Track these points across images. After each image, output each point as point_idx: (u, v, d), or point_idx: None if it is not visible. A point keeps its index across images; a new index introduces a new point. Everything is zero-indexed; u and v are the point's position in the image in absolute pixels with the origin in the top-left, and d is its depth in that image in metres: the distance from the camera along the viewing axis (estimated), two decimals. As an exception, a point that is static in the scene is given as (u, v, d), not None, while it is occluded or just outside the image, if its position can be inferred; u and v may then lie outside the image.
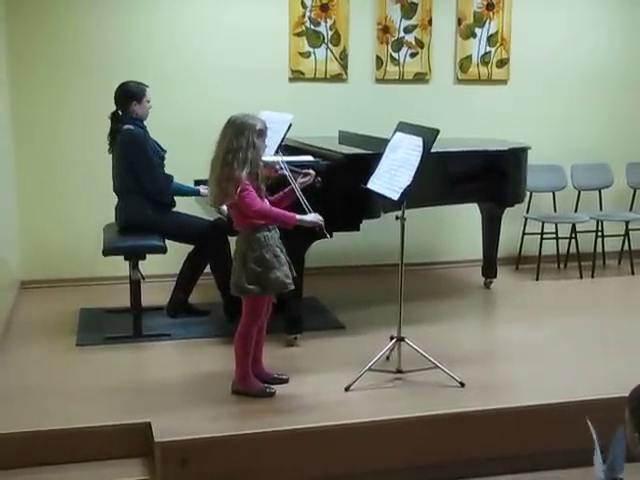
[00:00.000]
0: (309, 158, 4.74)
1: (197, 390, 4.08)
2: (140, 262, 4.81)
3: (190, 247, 5.14)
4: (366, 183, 4.25)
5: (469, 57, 6.56)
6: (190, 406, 3.87)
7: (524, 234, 6.66)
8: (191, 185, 5.23)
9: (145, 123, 4.99)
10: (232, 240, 4.17)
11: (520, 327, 5.16)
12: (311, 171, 4.00)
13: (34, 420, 3.72)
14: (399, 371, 4.24)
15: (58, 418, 3.74)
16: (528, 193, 6.19)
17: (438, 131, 3.99)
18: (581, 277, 6.44)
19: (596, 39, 6.82)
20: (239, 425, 3.68)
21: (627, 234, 6.76)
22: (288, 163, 4.04)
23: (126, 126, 4.91)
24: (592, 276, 6.48)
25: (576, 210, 6.77)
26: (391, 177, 4.09)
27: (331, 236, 3.94)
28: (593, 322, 5.28)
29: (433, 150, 4.04)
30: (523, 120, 6.66)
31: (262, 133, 3.81)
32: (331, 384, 4.11)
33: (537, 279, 6.36)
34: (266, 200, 3.89)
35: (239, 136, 3.74)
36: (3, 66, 5.51)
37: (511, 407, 3.91)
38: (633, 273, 6.57)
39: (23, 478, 3.52)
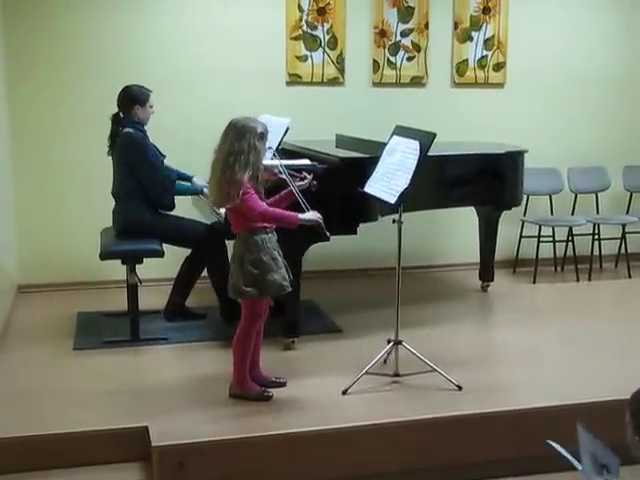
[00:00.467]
0: (306, 162, 4.73)
1: (194, 394, 4.08)
2: (137, 266, 4.81)
3: (187, 251, 5.14)
4: (363, 186, 4.25)
5: (466, 61, 6.57)
6: (187, 410, 3.87)
7: (521, 237, 6.66)
8: (187, 173, 5.23)
9: (145, 128, 5.00)
10: (229, 244, 4.15)
11: (517, 330, 5.16)
12: (308, 175, 4.03)
13: (31, 424, 3.71)
14: (396, 374, 4.24)
15: (55, 422, 3.73)
16: (525, 196, 6.20)
17: (435, 135, 4.00)
18: (578, 280, 6.44)
19: (593, 42, 6.84)
20: (236, 429, 3.68)
21: (624, 237, 6.76)
22: (286, 167, 4.05)
23: (126, 129, 4.92)
24: (589, 279, 6.48)
25: (573, 213, 6.78)
26: (388, 181, 4.09)
27: (330, 236, 3.91)
28: (590, 325, 5.28)
29: (430, 153, 4.05)
30: (520, 123, 6.67)
31: (263, 136, 3.81)
32: (328, 387, 4.10)
33: (534, 282, 6.36)
34: (265, 203, 3.90)
35: (240, 139, 3.74)
36: (1, 68, 5.51)
37: (509, 410, 3.91)
38: (630, 276, 6.57)
39: (20, 483, 3.52)
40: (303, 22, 6.17)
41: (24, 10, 5.67)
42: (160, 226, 4.92)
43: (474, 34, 6.56)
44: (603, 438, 2.38)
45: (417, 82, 6.47)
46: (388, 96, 6.37)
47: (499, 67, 6.65)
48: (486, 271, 6.09)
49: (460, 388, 4.10)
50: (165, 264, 5.04)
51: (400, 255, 4.19)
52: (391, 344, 4.25)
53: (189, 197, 5.30)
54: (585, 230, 6.64)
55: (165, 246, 4.86)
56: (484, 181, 5.51)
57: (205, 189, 4.97)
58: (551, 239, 6.61)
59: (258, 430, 3.65)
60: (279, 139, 5.01)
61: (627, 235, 6.74)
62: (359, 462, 3.69)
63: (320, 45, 6.23)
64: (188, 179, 5.20)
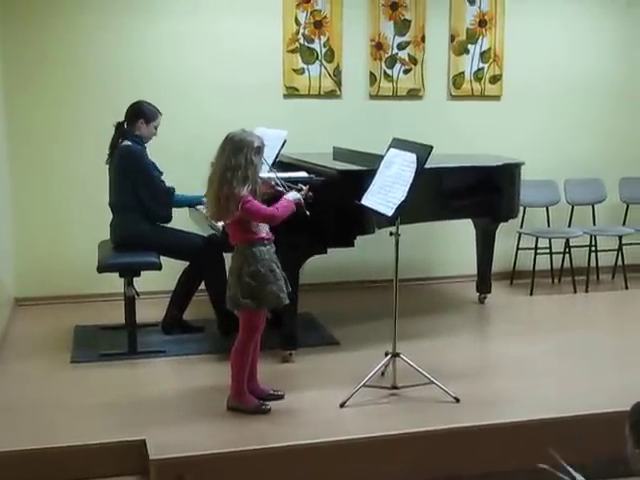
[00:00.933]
0: (303, 174, 4.75)
1: (192, 406, 4.07)
2: (135, 279, 4.81)
3: (185, 263, 5.14)
4: (360, 199, 4.26)
5: (462, 73, 6.59)
6: (185, 423, 3.86)
7: (518, 249, 6.67)
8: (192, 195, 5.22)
9: (145, 145, 5.02)
10: (227, 256, 4.16)
11: (515, 342, 5.16)
12: (304, 187, 4.05)
13: (28, 438, 3.70)
14: (394, 387, 4.23)
15: (52, 436, 3.72)
16: (522, 208, 6.22)
17: (432, 147, 4.01)
18: (575, 292, 6.45)
19: (589, 54, 6.86)
20: (234, 442, 3.67)
21: (620, 249, 6.77)
22: (283, 179, 4.07)
23: (125, 142, 4.93)
24: (586, 291, 6.49)
25: (570, 225, 6.79)
26: (385, 193, 4.10)
27: (308, 215, 3.98)
28: (588, 336, 5.29)
29: (427, 166, 4.06)
30: (516, 136, 6.69)
31: (260, 150, 3.83)
32: (326, 400, 4.10)
33: (531, 294, 6.37)
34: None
35: (237, 153, 3.75)
36: (-1, 80, 5.53)
37: (507, 422, 3.91)
38: (627, 287, 6.58)
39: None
40: (300, 35, 6.19)
41: (20, 23, 5.67)
42: (157, 239, 4.92)
43: (470, 47, 6.58)
44: (602, 450, 2.38)
45: (414, 95, 6.50)
46: (385, 109, 6.39)
47: (495, 79, 6.67)
48: (483, 283, 6.10)
49: (458, 400, 4.10)
50: (162, 277, 5.04)
51: (397, 267, 4.19)
52: (389, 356, 4.25)
53: (186, 209, 5.28)
54: (582, 242, 6.65)
55: (162, 259, 4.86)
56: (481, 193, 5.52)
57: (203, 200, 4.99)
58: (548, 251, 6.62)
59: (256, 443, 3.65)
60: (276, 152, 5.02)
61: (624, 247, 6.76)
62: (357, 475, 3.69)
63: (317, 58, 6.25)
64: (199, 200, 5.14)
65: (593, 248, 6.70)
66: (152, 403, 4.13)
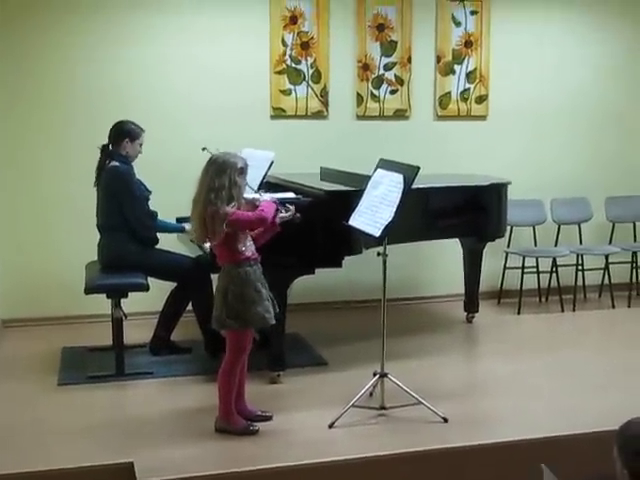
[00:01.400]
0: (291, 195, 4.76)
1: (180, 428, 4.06)
2: (122, 300, 4.80)
3: (172, 284, 5.14)
4: (347, 220, 4.28)
5: (448, 94, 6.63)
6: (173, 445, 3.85)
7: (505, 268, 6.69)
8: (174, 222, 5.26)
9: (132, 164, 5.02)
10: (215, 278, 4.15)
11: (503, 361, 5.17)
12: (291, 207, 4.06)
13: (14, 461, 3.67)
14: (382, 407, 4.23)
15: (39, 459, 3.69)
16: (509, 228, 6.25)
17: (418, 168, 4.04)
18: (562, 310, 6.47)
19: (575, 75, 6.91)
20: (223, 463, 3.66)
21: (607, 267, 6.79)
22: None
23: (113, 163, 4.95)
24: (573, 309, 6.51)
25: (556, 244, 6.82)
26: (372, 214, 4.12)
27: (299, 218, 4.04)
28: (576, 355, 5.30)
29: (414, 186, 4.09)
30: (503, 155, 6.73)
31: (243, 171, 3.86)
32: (315, 421, 4.10)
33: (519, 313, 6.39)
34: (249, 235, 3.93)
35: (221, 175, 3.77)
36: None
37: (495, 442, 3.91)
38: (614, 306, 6.60)
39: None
40: (287, 56, 6.23)
41: (5, 44, 5.69)
42: (145, 260, 4.92)
43: (456, 67, 6.63)
44: (589, 471, 2.39)
45: (400, 115, 6.53)
46: (372, 129, 6.43)
47: (481, 100, 6.72)
48: (471, 302, 6.12)
49: (446, 420, 4.11)
50: (150, 298, 5.03)
51: (385, 287, 4.21)
52: (377, 377, 4.25)
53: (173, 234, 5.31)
54: (569, 261, 6.68)
55: (150, 280, 4.87)
56: (468, 213, 5.54)
57: (187, 225, 5.00)
58: (535, 270, 6.65)
59: (244, 465, 3.63)
60: (263, 173, 5.04)
61: (610, 265, 6.78)
62: (346, 496, 3.68)
63: (304, 79, 6.28)
64: (179, 229, 5.21)
65: (580, 267, 6.72)
66: (140, 425, 4.12)
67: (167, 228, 5.22)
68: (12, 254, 5.85)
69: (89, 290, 4.79)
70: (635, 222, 7.04)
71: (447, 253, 6.38)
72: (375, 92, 6.45)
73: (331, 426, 4.04)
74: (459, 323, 6.08)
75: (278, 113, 6.25)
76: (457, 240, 6.01)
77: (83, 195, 5.30)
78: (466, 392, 4.62)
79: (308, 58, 6.28)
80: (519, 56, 6.77)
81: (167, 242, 5.15)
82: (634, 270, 6.93)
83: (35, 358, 5.17)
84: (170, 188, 5.46)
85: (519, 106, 6.79)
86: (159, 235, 5.07)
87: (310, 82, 6.30)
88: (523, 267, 6.51)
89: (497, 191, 5.72)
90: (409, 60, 6.50)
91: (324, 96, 6.34)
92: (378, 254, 4.18)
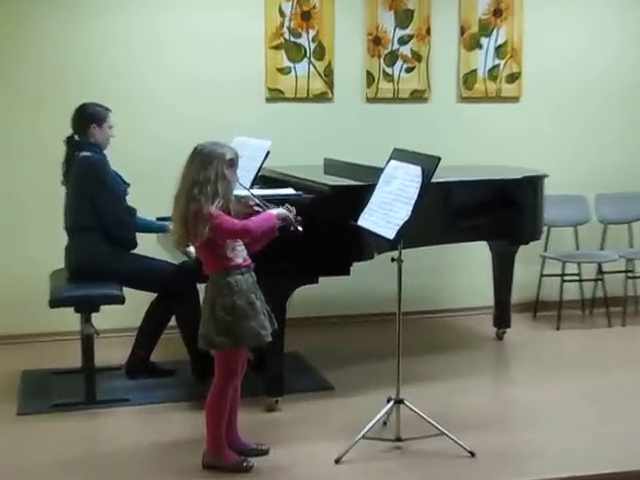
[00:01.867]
0: (290, 191, 4.78)
1: (161, 465, 4.08)
2: (94, 314, 4.83)
3: (152, 295, 5.17)
4: (356, 220, 4.30)
5: (474, 71, 6.67)
6: (153, 484, 3.88)
7: (542, 276, 6.72)
8: (155, 220, 5.29)
9: (105, 152, 5.05)
10: (202, 288, 4.19)
11: (539, 386, 5.19)
12: (291, 207, 4.05)
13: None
14: (398, 439, 4.25)
15: (-3, 500, 3.73)
16: (545, 228, 6.26)
17: (439, 159, 4.05)
18: (610, 325, 6.49)
19: (620, 48, 6.94)
20: (211, 505, 3.69)
21: (662, 274, 6.81)
22: (265, 197, 4.10)
23: (83, 153, 4.97)
24: (623, 324, 6.53)
25: (602, 247, 6.83)
26: (385, 212, 4.14)
27: (301, 229, 4.00)
28: (626, 378, 5.32)
29: (434, 180, 4.10)
30: (538, 143, 6.76)
31: (233, 163, 3.87)
32: (319, 455, 4.13)
33: (558, 328, 6.42)
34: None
35: (207, 167, 3.79)
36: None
37: (529, 480, 3.93)
38: (671, 320, 6.63)
39: None
40: (285, 29, 6.26)
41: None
42: (120, 267, 4.94)
43: (483, 40, 6.66)
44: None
45: (418, 97, 6.57)
46: (384, 113, 6.46)
47: (513, 78, 6.75)
48: (502, 316, 6.14)
49: (473, 454, 4.13)
50: (126, 312, 5.06)
51: (400, 298, 4.23)
52: (391, 403, 4.27)
53: (154, 234, 5.33)
54: (617, 267, 6.70)
55: (126, 290, 4.89)
56: (497, 211, 5.56)
57: (168, 226, 5.03)
58: (577, 278, 6.66)
59: (236, 506, 3.67)
60: (258, 165, 5.06)
61: (666, 272, 6.80)
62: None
63: (305, 55, 6.32)
64: (162, 228, 5.21)
65: (630, 274, 6.73)
66: (114, 461, 4.14)
67: (148, 227, 5.23)
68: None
69: (55, 303, 4.81)
70: (697, 222, 7.03)
71: (473, 258, 6.41)
72: (388, 70, 6.49)
73: (338, 461, 4.06)
74: (488, 340, 6.11)
75: (275, 95, 6.29)
76: (485, 243, 6.03)
77: (46, 195, 5.34)
78: (496, 422, 4.64)
79: (310, 31, 6.32)
80: (558, 26, 6.79)
81: (146, 246, 5.17)
82: (695, 278, 6.94)
83: (-9, 383, 5.21)
84: (150, 181, 5.49)
85: (558, 85, 6.82)
86: (138, 237, 5.08)
87: (312, 59, 6.33)
88: (563, 274, 6.52)
89: (532, 185, 5.73)
90: (428, 32, 6.53)
91: (328, 75, 6.37)
92: (392, 260, 4.20)
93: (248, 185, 4.19)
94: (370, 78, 6.47)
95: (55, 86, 5.88)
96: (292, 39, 6.29)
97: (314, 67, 6.35)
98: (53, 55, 5.89)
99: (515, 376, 5.64)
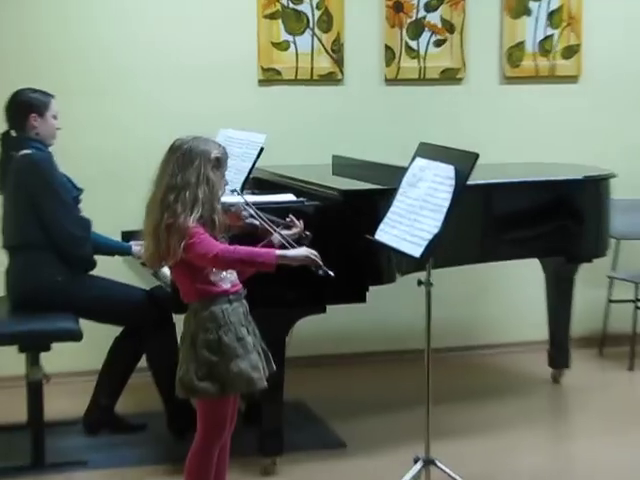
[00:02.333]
0: (290, 197, 4.82)
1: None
2: (43, 354, 4.84)
3: (117, 329, 5.20)
4: (374, 233, 4.35)
5: (521, 44, 6.71)
6: None
7: (610, 302, 6.74)
8: (118, 239, 5.32)
9: (51, 150, 5.07)
10: (179, 320, 4.21)
11: (608, 441, 5.21)
12: (296, 221, 4.05)
13: None
14: (428, 509, 4.29)
15: None
16: (613, 242, 6.29)
17: (477, 156, 4.07)
18: (697, 365, 6.52)
19: None
20: None
21: None
22: (260, 206, 4.11)
23: (24, 151, 4.98)
24: None
25: (685, 266, 6.86)
26: (410, 224, 4.17)
27: (333, 275, 3.92)
28: None
29: (471, 182, 4.14)
30: (602, 134, 6.80)
31: (220, 163, 3.88)
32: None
33: (631, 368, 6.44)
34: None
35: (186, 168, 3.80)
36: None
37: None
38: None
39: None
40: (282, -8, 6.32)
41: None
42: (76, 293, 4.97)
43: (533, 5, 6.71)
44: None
45: (450, 77, 6.62)
46: (407, 99, 6.51)
47: (571, 52, 6.79)
48: (558, 353, 6.16)
49: (522, 527, 4.16)
50: (84, 350, 5.10)
51: (429, 331, 4.25)
52: (419, 464, 4.29)
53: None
54: None
55: (84, 323, 4.92)
56: (551, 220, 5.58)
57: (135, 244, 5.05)
58: (655, 304, 6.69)
59: None
60: (250, 165, 5.09)
61: None
62: None
63: (307, 26, 6.35)
64: (125, 250, 5.26)
65: None
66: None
67: (107, 246, 5.25)
68: None
69: (-7, 340, 4.86)
70: None
71: (521, 280, 6.45)
72: (412, 44, 6.53)
73: (352, 537, 4.10)
74: (541, 383, 6.14)
75: (270, 77, 6.33)
76: (536, 261, 6.06)
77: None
78: (552, 486, 4.68)
79: (313, -6, 6.38)
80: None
81: (108, 266, 5.21)
82: None
83: None
84: (110, 187, 5.53)
85: (627, 62, 6.86)
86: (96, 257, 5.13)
87: (316, 30, 6.37)
88: (637, 300, 6.53)
89: (595, 188, 5.75)
90: (462, -5, 6.60)
91: (337, 51, 6.41)
92: (419, 283, 4.24)
93: (238, 189, 4.21)
94: (390, 54, 6.50)
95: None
96: (291, 5, 6.32)
97: (319, 41, 6.38)
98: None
99: (577, 430, 5.64)
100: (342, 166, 5.50)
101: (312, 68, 6.40)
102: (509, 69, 6.71)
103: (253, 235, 4.01)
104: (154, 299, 5.05)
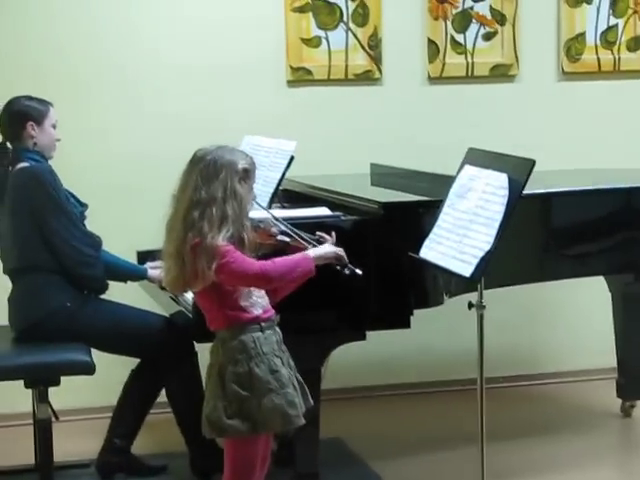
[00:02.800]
0: (324, 211, 4.85)
1: None
2: (51, 390, 4.85)
3: (133, 361, 5.23)
4: (418, 251, 4.38)
5: (581, 36, 6.72)
6: None
7: (687, 324, 6.73)
8: (133, 262, 5.36)
9: (51, 163, 5.10)
10: (204, 349, 4.23)
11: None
12: (327, 236, 4.04)
13: None
14: None
15: None
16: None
17: (533, 162, 4.09)
18: None
19: None
20: None
21: None
22: (291, 222, 4.13)
23: (22, 164, 5.01)
24: None
25: None
26: (459, 240, 4.19)
27: (360, 274, 3.96)
28: None
29: (527, 192, 4.16)
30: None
31: (248, 174, 3.89)
32: None
33: None
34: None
35: (211, 181, 3.81)
36: None
37: None
38: None
39: None
40: (312, -18, 6.36)
41: None
42: (88, 321, 4.99)
43: (594, -8, 6.74)
44: None
45: (501, 74, 6.64)
46: (454, 99, 6.55)
47: (637, 44, 6.80)
48: (629, 382, 6.13)
49: None
50: (97, 385, 5.13)
51: (482, 359, 4.26)
52: (473, 508, 4.33)
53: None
54: None
55: (97, 355, 4.95)
56: (618, 233, 5.58)
57: (152, 267, 5.10)
58: None
59: None
60: (279, 176, 5.12)
61: None
62: None
63: (341, 19, 6.39)
64: (140, 274, 5.28)
65: None
66: None
67: (117, 267, 5.24)
68: None
69: (-4, 374, 4.91)
70: None
71: (585, 301, 6.45)
72: (459, 38, 6.57)
73: None
74: (609, 417, 6.12)
75: (300, 77, 6.38)
76: (602, 279, 6.07)
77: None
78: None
79: (347, -16, 6.41)
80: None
81: (122, 288, 5.24)
82: None
83: None
84: (123, 201, 5.55)
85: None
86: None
87: (351, 24, 6.41)
88: None
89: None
90: (514, -18, 6.61)
91: (374, 47, 6.45)
92: (470, 306, 4.25)
93: (266, 204, 4.22)
94: (433, 50, 6.53)
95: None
96: (323, -2, 6.38)
97: (354, 36, 6.43)
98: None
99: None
100: (381, 175, 5.52)
101: (346, 66, 6.44)
102: (568, 64, 6.73)
103: (283, 253, 3.99)
104: (174, 327, 5.05)
